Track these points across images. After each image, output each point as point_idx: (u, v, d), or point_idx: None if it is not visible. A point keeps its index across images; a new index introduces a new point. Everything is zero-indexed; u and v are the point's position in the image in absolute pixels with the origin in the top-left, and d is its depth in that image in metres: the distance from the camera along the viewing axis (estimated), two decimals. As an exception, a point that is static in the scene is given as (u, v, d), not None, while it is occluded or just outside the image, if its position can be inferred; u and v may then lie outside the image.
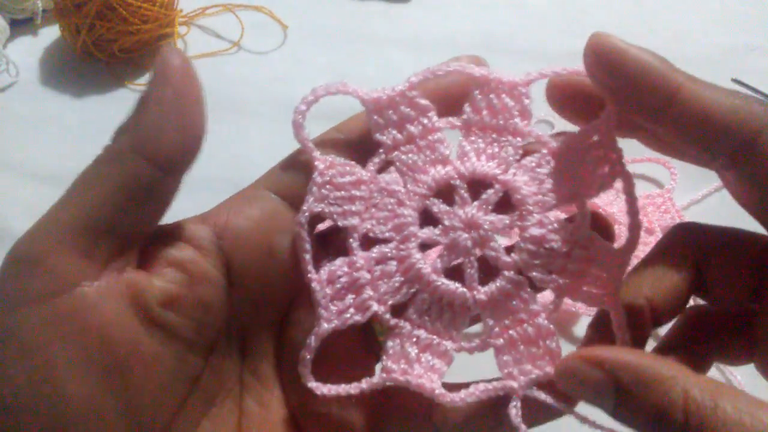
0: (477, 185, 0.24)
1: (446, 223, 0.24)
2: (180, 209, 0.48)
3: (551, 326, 0.23)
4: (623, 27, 0.58)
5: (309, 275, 0.23)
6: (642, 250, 0.39)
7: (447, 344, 0.23)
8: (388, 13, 0.61)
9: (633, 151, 0.51)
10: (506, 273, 0.23)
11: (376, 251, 0.24)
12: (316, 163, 0.24)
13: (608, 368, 0.20)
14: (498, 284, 0.23)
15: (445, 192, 0.24)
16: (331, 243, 0.24)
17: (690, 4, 0.60)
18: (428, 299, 0.24)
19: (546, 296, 0.24)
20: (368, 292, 0.23)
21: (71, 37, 0.54)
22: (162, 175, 0.22)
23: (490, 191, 0.23)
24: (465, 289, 0.23)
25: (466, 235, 0.23)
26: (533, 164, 0.24)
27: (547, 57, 0.56)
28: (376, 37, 0.58)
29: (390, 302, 0.23)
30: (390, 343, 0.23)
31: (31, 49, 0.58)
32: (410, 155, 0.24)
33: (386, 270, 0.24)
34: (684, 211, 0.42)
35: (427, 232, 0.24)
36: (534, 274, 0.23)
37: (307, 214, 0.23)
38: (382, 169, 0.24)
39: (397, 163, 0.24)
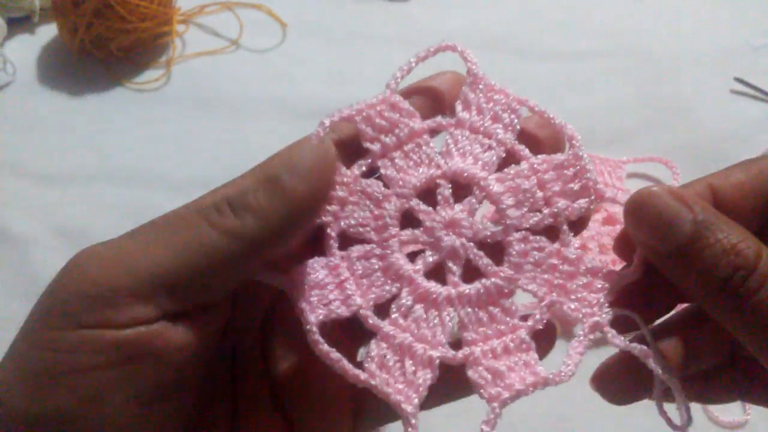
0: (459, 186, 0.24)
1: (428, 224, 0.24)
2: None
3: (531, 342, 0.23)
4: (624, 26, 0.58)
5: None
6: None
7: (432, 352, 0.23)
8: (387, 12, 0.60)
9: (634, 150, 0.51)
10: (485, 281, 0.23)
11: (357, 249, 0.24)
12: None
13: (692, 203, 0.22)
14: (479, 286, 0.23)
15: (429, 192, 0.24)
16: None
17: (692, 3, 0.60)
18: (411, 300, 0.23)
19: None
20: (350, 286, 0.23)
21: (69, 35, 0.54)
22: (245, 252, 0.21)
23: (473, 199, 0.24)
24: (448, 288, 0.23)
25: (448, 237, 0.24)
26: (512, 174, 0.24)
27: (548, 57, 0.55)
28: (375, 36, 0.58)
29: (372, 299, 0.23)
30: (373, 346, 0.23)
31: (28, 48, 0.58)
32: (397, 160, 0.25)
33: (368, 267, 0.24)
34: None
35: (409, 233, 0.24)
36: (522, 281, 0.23)
37: None
38: (368, 173, 0.25)
39: (383, 169, 0.24)
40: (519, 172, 0.24)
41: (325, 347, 0.22)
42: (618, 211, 0.41)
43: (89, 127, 0.50)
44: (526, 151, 0.24)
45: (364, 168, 0.24)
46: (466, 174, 0.24)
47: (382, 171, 0.24)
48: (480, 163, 0.25)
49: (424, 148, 0.25)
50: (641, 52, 0.55)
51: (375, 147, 0.24)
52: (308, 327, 0.22)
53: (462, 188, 0.24)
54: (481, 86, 0.25)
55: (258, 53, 0.57)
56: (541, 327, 0.23)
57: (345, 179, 0.24)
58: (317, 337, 0.22)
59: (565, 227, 0.24)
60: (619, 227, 0.40)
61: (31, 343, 0.20)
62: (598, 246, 0.40)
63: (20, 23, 0.59)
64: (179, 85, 0.54)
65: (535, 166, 0.24)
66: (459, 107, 0.25)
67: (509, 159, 0.25)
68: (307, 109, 0.50)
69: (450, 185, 0.24)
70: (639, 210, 0.22)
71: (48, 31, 0.59)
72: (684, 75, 0.52)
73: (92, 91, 0.53)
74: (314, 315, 0.22)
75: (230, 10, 0.59)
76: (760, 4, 0.59)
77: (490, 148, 0.25)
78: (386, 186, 0.24)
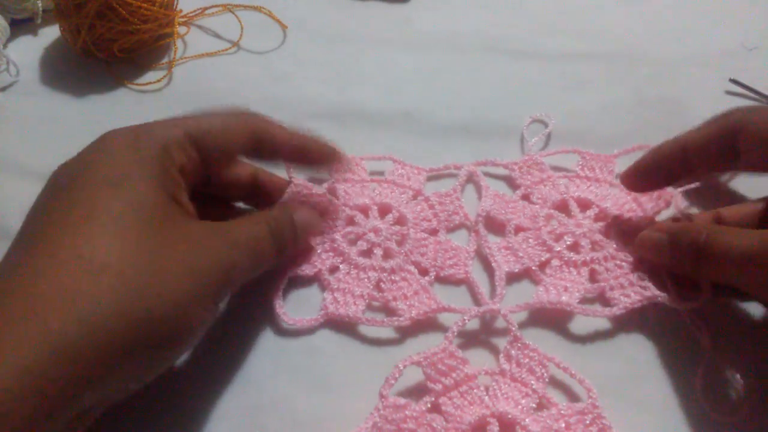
0: (504, 424, 0.31)
1: None
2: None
3: None
4: (622, 27, 0.58)
5: None
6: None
7: None
8: (388, 13, 0.61)
9: (628, 142, 0.51)
10: None
11: None
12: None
13: (664, 229, 0.35)
14: None
15: (479, 428, 0.31)
16: None
17: (688, 3, 0.60)
18: None
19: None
20: None
21: (71, 37, 0.54)
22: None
23: None
24: None
25: None
26: (544, 417, 0.31)
27: (545, 58, 0.56)
28: (375, 37, 0.58)
29: None
30: None
31: (31, 49, 0.58)
32: (454, 399, 0.32)
33: None
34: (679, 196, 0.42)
35: None
36: None
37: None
38: (432, 409, 0.32)
39: (443, 406, 0.32)
40: (549, 416, 0.31)
41: None
42: (609, 206, 0.42)
43: (91, 127, 0.50)
44: (554, 399, 0.32)
45: (429, 405, 0.31)
46: (510, 416, 0.31)
47: (443, 408, 0.32)
48: (520, 407, 0.32)
49: (475, 390, 0.32)
50: (636, 53, 0.55)
51: (437, 387, 0.32)
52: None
53: (506, 426, 0.31)
54: (519, 344, 0.33)
55: (259, 55, 0.57)
56: None
57: (414, 414, 0.31)
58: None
59: None
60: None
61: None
62: (590, 243, 0.41)
63: (23, 25, 0.60)
64: (181, 86, 0.54)
65: (562, 411, 0.31)
66: (502, 359, 0.33)
67: (541, 404, 0.32)
68: (308, 111, 0.51)
69: (497, 423, 0.31)
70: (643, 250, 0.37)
71: (50, 33, 0.59)
72: (679, 76, 0.53)
73: (94, 92, 0.53)
74: None
75: (231, 12, 0.60)
76: (754, 6, 0.59)
77: (527, 395, 0.32)
78: (445, 420, 0.31)
